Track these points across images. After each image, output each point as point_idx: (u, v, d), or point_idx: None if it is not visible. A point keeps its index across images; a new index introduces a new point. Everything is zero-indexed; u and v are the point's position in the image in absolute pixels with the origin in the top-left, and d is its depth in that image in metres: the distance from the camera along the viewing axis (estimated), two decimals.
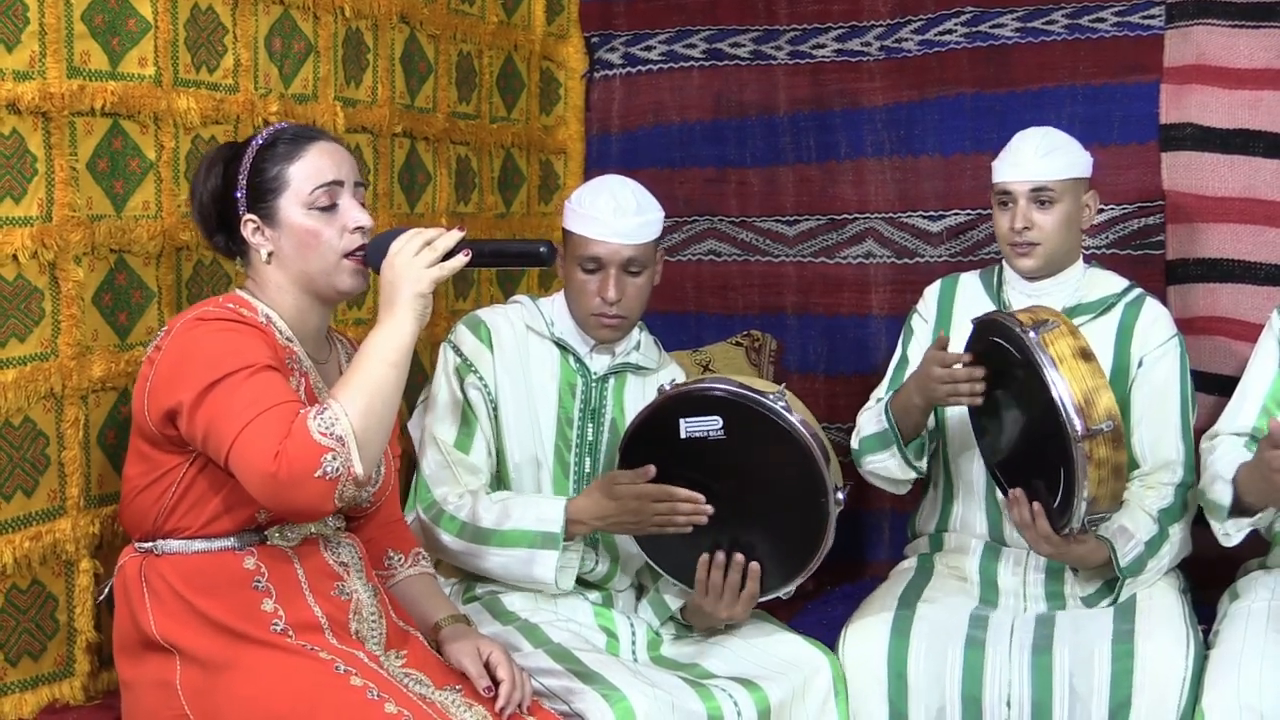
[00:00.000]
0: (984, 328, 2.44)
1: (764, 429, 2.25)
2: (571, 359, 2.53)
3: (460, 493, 2.41)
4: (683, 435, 2.28)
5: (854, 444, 2.70)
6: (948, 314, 2.78)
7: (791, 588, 2.36)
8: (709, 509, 2.27)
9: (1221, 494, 2.44)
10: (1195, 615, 2.46)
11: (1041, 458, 2.35)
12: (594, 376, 2.53)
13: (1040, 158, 2.61)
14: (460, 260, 1.92)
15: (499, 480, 2.48)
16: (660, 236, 2.53)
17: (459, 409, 2.45)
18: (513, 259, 2.14)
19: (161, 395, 1.89)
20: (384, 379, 1.85)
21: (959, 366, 2.46)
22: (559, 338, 2.53)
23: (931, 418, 2.66)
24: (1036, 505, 2.35)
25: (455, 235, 1.93)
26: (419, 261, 1.90)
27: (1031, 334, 2.29)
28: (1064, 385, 2.24)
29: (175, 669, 1.90)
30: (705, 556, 2.31)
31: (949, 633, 2.41)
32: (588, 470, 2.49)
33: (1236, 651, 2.25)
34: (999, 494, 2.57)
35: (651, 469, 2.27)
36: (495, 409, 2.47)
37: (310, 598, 1.96)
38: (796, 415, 2.27)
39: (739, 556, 2.30)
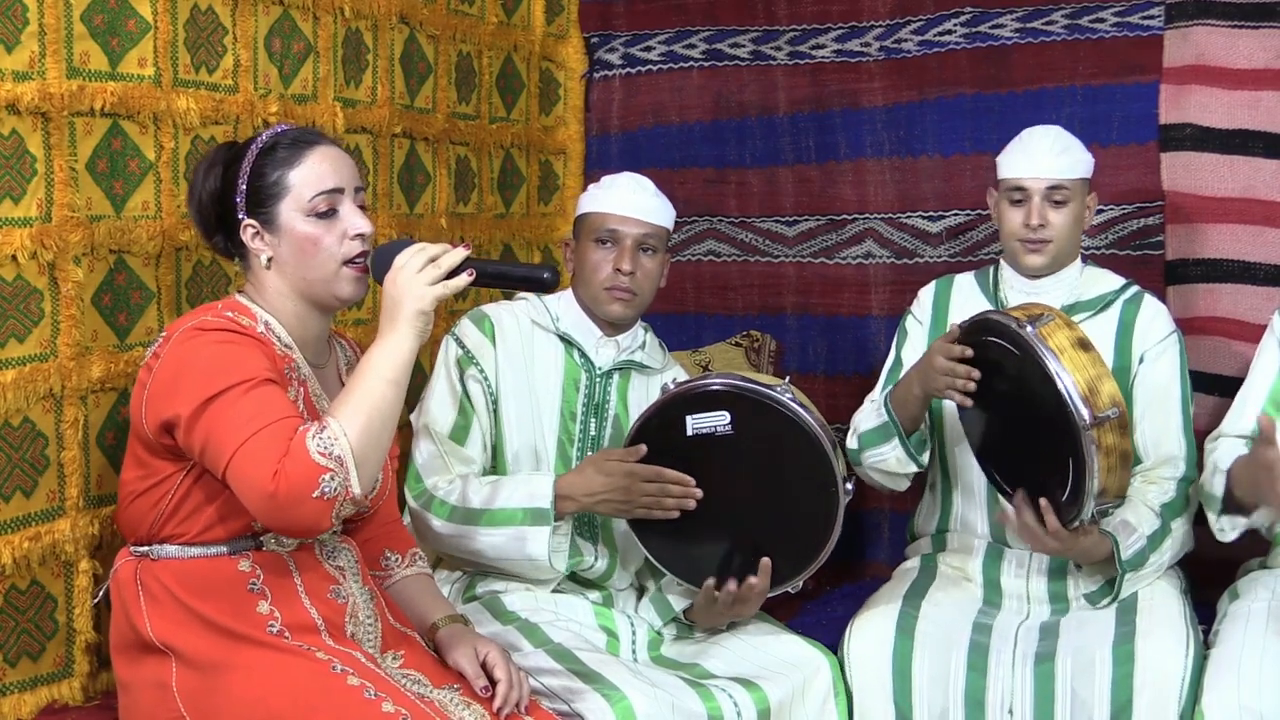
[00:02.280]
0: (977, 327, 2.43)
1: (771, 421, 2.27)
2: (576, 354, 2.54)
3: (451, 479, 2.42)
4: (689, 432, 2.29)
5: (851, 443, 2.69)
6: (943, 315, 2.78)
7: (799, 581, 2.37)
8: (698, 493, 2.29)
9: (1217, 486, 2.45)
10: (1195, 615, 2.46)
11: (1045, 454, 2.35)
12: (598, 371, 2.54)
13: (1056, 156, 2.62)
14: (464, 279, 1.92)
15: (496, 474, 2.48)
16: (670, 234, 2.57)
17: (457, 401, 2.46)
18: (516, 282, 2.15)
19: (159, 405, 1.89)
20: (382, 397, 1.85)
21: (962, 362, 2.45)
22: (564, 333, 2.54)
23: (927, 418, 2.66)
24: (1044, 502, 2.35)
25: (460, 253, 1.93)
26: (422, 278, 1.90)
27: (1029, 329, 2.29)
28: (1067, 376, 2.24)
29: (171, 671, 1.91)
30: (712, 582, 2.33)
31: (953, 638, 2.41)
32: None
33: (1236, 651, 2.26)
34: (1000, 499, 2.57)
35: (643, 448, 2.29)
36: (495, 403, 2.48)
37: (306, 600, 1.97)
38: (803, 406, 2.28)
39: (750, 580, 2.31)
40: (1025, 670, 2.35)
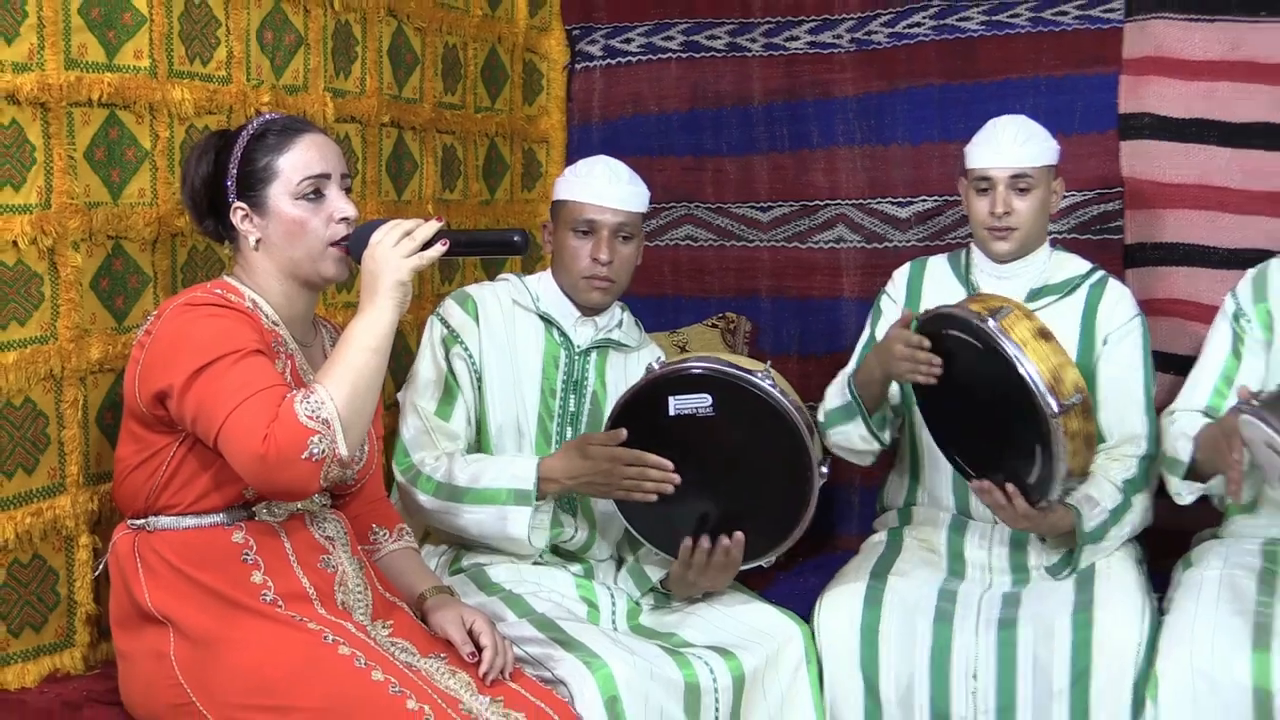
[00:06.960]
0: (937, 320, 2.45)
1: (751, 406, 2.29)
2: (555, 332, 2.57)
3: (437, 455, 2.44)
4: (671, 413, 2.32)
5: (820, 417, 2.72)
6: (916, 296, 2.82)
7: (773, 557, 2.41)
8: (676, 478, 2.31)
9: (1182, 451, 2.49)
10: (1151, 584, 2.51)
11: (1012, 441, 2.38)
12: (577, 350, 2.58)
13: (1019, 145, 2.65)
14: (438, 249, 1.97)
15: (481, 449, 2.52)
16: (646, 215, 2.60)
17: (442, 379, 2.49)
18: (488, 247, 2.20)
19: (152, 378, 1.93)
20: (366, 364, 1.90)
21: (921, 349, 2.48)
22: (544, 312, 2.57)
23: (898, 393, 2.71)
24: (1011, 487, 2.39)
25: (433, 225, 1.98)
26: (398, 251, 1.94)
27: (991, 322, 2.31)
28: (1032, 368, 2.27)
29: (169, 641, 1.95)
30: (689, 541, 2.36)
31: (918, 606, 2.45)
32: (569, 439, 2.52)
33: (1189, 618, 2.30)
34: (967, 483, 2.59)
35: (623, 433, 2.31)
36: (479, 379, 2.51)
37: (298, 569, 2.01)
38: (783, 393, 2.31)
39: (724, 540, 2.34)
40: (988, 636, 2.39)
